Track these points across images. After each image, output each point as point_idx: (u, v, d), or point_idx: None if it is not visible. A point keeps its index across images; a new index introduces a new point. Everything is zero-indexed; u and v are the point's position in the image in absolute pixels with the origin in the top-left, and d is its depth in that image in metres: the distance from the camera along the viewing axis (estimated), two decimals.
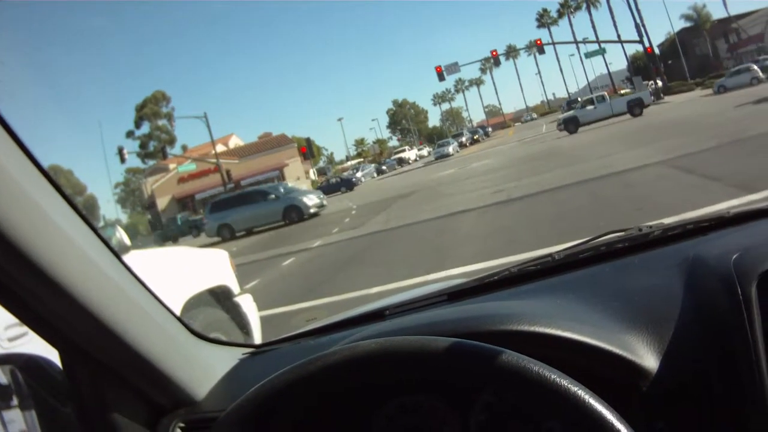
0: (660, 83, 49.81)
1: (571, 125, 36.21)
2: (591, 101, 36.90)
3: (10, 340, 3.45)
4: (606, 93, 39.59)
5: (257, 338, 5.02)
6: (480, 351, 0.95)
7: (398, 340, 1.01)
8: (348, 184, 48.72)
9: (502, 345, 0.95)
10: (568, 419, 0.86)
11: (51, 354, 1.20)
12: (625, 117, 33.92)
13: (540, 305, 1.23)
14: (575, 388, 0.86)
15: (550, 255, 1.50)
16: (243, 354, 1.53)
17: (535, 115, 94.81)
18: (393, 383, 1.12)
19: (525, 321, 1.11)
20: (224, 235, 28.17)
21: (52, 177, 1.04)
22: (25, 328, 1.15)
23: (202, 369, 1.36)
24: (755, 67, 38.00)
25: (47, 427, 1.18)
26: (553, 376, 0.87)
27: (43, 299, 1.04)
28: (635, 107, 34.32)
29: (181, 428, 1.26)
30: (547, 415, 1.01)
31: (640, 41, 51.42)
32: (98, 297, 1.08)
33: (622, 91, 54.77)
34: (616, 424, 0.83)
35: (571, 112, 37.78)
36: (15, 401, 1.20)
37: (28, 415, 1.17)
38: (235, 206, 28.48)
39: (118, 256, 1.17)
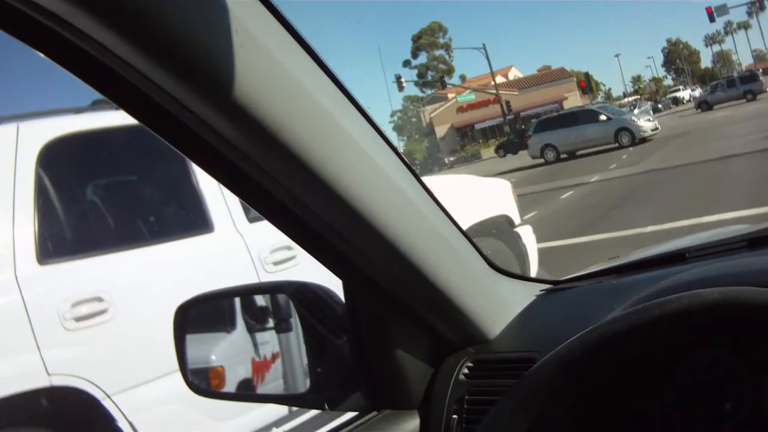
0: None
1: None
2: None
3: (276, 264, 3.65)
4: None
5: (533, 271, 4.92)
6: None
7: (746, 291, 0.85)
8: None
9: None
10: None
11: (318, 280, 1.14)
12: None
13: None
14: None
15: None
16: (540, 290, 1.37)
17: None
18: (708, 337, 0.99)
19: None
20: (547, 157, 26.24)
21: (355, 98, 0.92)
22: (292, 252, 1.10)
23: (498, 305, 1.23)
24: None
25: (316, 357, 1.15)
26: None
27: (342, 232, 0.96)
28: None
29: (468, 368, 1.15)
30: None
31: None
32: (398, 222, 0.97)
33: None
34: None
35: None
36: (291, 326, 1.20)
37: (294, 339, 1.17)
38: (560, 127, 26.04)
39: (418, 178, 1.03)
